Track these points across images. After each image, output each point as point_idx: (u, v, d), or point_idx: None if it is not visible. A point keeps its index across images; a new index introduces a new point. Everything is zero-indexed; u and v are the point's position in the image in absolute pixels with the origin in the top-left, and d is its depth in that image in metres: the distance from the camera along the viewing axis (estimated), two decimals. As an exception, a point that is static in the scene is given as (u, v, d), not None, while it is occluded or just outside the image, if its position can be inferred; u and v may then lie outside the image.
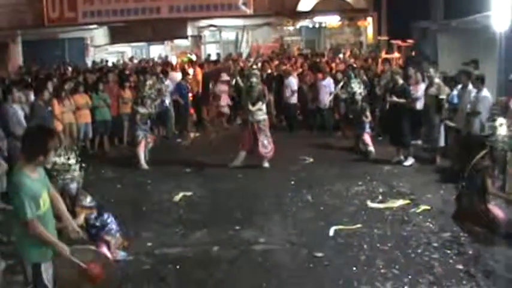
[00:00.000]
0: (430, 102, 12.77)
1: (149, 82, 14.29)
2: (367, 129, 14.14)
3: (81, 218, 7.43)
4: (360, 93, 14.29)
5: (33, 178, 5.17)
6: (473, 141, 10.23)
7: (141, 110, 13.53)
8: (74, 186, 7.48)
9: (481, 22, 15.36)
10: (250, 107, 12.86)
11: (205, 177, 12.49)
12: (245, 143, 13.10)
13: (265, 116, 13.20)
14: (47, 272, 5.32)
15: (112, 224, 7.74)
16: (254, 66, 13.63)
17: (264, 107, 13.14)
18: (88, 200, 7.63)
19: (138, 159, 13.48)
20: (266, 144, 12.96)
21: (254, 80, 13.01)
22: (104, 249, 7.24)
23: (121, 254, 7.84)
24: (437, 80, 12.88)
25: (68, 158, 7.61)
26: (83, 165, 7.72)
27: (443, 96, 12.56)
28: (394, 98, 12.95)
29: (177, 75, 19.13)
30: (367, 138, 14.00)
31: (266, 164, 12.98)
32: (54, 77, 17.91)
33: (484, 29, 15.15)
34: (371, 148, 13.80)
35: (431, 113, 12.72)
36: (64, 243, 5.44)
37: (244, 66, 19.79)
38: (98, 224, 7.57)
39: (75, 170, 7.52)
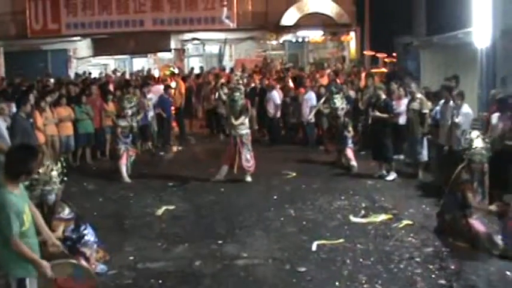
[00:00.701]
0: (413, 116, 12.87)
1: (128, 95, 14.35)
2: (350, 144, 14.18)
3: (59, 231, 7.38)
4: (342, 108, 14.33)
5: (16, 194, 5.15)
6: (454, 156, 10.39)
7: (122, 123, 13.53)
8: (51, 197, 7.43)
9: (462, 38, 15.52)
10: (233, 121, 12.87)
11: (187, 191, 12.46)
12: (227, 157, 13.10)
13: (248, 130, 13.22)
14: (31, 287, 5.29)
15: (89, 235, 7.68)
16: (240, 81, 13.63)
17: (246, 121, 13.15)
18: (66, 212, 7.57)
19: (120, 173, 13.43)
20: (249, 158, 12.97)
21: (237, 94, 13.02)
22: (82, 262, 7.19)
23: (100, 267, 7.78)
24: (419, 95, 13.00)
25: (51, 170, 7.56)
26: (65, 178, 7.67)
27: (425, 111, 12.66)
28: (377, 113, 13.00)
29: (160, 88, 19.12)
30: (349, 152, 14.04)
31: (248, 178, 12.98)
32: (37, 88, 17.84)
33: (465, 45, 15.32)
34: (353, 163, 13.84)
35: (415, 128, 12.81)
36: (44, 257, 5.40)
37: (229, 79, 19.83)
38: (74, 236, 7.52)
39: (55, 182, 7.46)
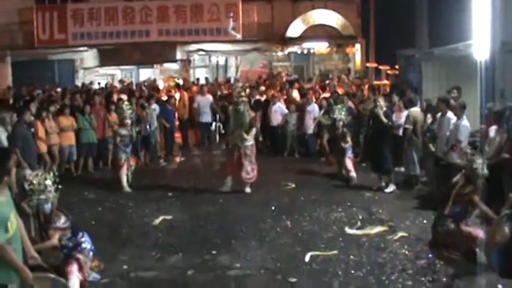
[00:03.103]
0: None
1: (126, 103, 14.37)
2: (349, 154, 14.13)
3: (55, 240, 7.44)
4: (341, 119, 14.32)
5: (1, 201, 5.19)
6: (451, 169, 10.42)
7: (122, 131, 13.58)
8: (48, 206, 7.48)
9: (463, 51, 15.53)
10: (243, 134, 12.87)
11: (186, 201, 12.51)
12: (232, 168, 13.09)
13: (253, 142, 13.22)
14: None
15: (86, 243, 7.71)
16: (242, 93, 13.57)
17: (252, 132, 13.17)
18: (62, 221, 7.59)
19: (120, 182, 13.49)
20: (249, 171, 12.95)
21: (241, 106, 12.98)
22: (74, 268, 7.22)
23: (93, 276, 7.80)
24: (414, 109, 13.15)
25: (45, 179, 7.62)
26: (59, 186, 7.75)
27: (407, 126, 12.89)
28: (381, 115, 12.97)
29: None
30: (348, 163, 13.98)
31: (248, 189, 12.99)
32: (42, 98, 17.97)
33: (465, 57, 15.32)
34: (352, 174, 13.80)
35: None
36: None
37: (231, 91, 19.88)
38: (70, 244, 7.56)
39: (51, 191, 7.52)
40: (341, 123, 14.29)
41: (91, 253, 7.81)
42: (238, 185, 13.09)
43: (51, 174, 7.64)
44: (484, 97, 14.02)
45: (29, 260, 5.72)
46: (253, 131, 13.06)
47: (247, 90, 18.92)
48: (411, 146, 13.06)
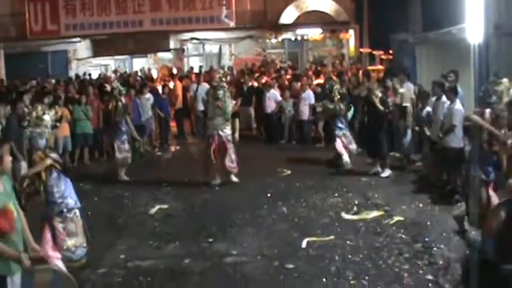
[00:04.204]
0: (394, 110, 13.15)
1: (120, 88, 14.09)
2: (343, 131, 13.89)
3: (48, 160, 7.33)
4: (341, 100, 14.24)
5: None
6: (451, 154, 10.49)
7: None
8: (42, 142, 7.39)
9: (457, 34, 15.52)
10: (223, 121, 12.63)
11: (182, 190, 12.49)
12: (212, 158, 12.55)
13: (231, 131, 13.18)
14: (12, 286, 5.27)
15: (69, 198, 7.54)
16: (223, 79, 13.19)
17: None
18: (54, 156, 7.53)
19: (117, 172, 13.50)
20: (233, 159, 12.65)
21: (220, 92, 12.59)
22: (49, 249, 7.11)
23: (78, 253, 7.57)
24: (401, 90, 13.20)
25: (44, 113, 7.55)
26: (57, 124, 7.70)
27: (406, 104, 12.86)
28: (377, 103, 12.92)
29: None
30: (338, 145, 13.76)
31: (235, 179, 12.70)
32: (35, 90, 17.90)
33: (459, 41, 15.32)
34: (345, 157, 13.66)
35: (396, 121, 13.01)
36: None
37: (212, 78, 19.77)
38: (56, 195, 7.40)
39: (47, 126, 7.45)
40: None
41: (75, 213, 7.68)
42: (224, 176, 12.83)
43: (53, 111, 7.58)
44: (478, 80, 14.05)
45: (30, 253, 5.64)
46: (237, 120, 12.94)
47: (228, 77, 18.75)
48: (409, 124, 13.14)
